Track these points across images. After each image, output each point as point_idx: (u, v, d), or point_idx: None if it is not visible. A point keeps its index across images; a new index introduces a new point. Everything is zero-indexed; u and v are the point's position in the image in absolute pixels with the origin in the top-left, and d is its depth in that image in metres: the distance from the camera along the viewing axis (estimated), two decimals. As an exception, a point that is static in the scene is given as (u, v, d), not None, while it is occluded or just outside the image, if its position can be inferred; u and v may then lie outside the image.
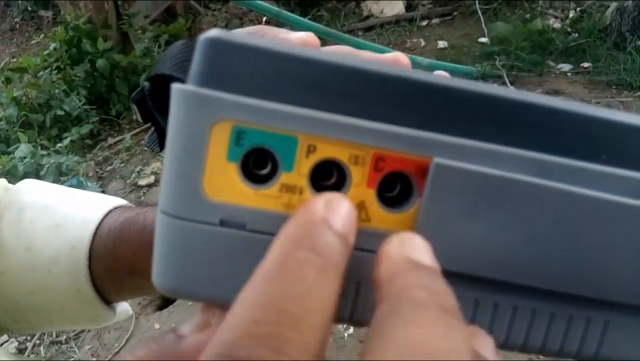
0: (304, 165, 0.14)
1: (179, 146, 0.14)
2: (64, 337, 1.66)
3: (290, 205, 0.14)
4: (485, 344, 0.13)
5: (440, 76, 0.15)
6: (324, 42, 2.83)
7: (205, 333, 0.14)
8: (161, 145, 0.26)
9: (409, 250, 0.13)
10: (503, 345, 0.16)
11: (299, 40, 0.20)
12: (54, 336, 1.68)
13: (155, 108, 0.24)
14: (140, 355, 0.15)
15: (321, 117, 0.14)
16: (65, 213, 0.38)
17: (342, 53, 0.21)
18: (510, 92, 0.15)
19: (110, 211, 0.39)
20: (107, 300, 0.38)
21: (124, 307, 0.42)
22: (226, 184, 0.14)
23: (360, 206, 0.15)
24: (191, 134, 0.14)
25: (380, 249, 0.14)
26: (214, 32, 0.14)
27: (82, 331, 1.67)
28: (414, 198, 0.15)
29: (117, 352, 1.54)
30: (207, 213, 0.14)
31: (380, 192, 0.15)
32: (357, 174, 0.14)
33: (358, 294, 0.15)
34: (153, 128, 0.26)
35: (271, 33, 0.22)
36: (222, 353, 0.11)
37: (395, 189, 0.15)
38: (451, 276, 0.14)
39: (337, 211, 0.13)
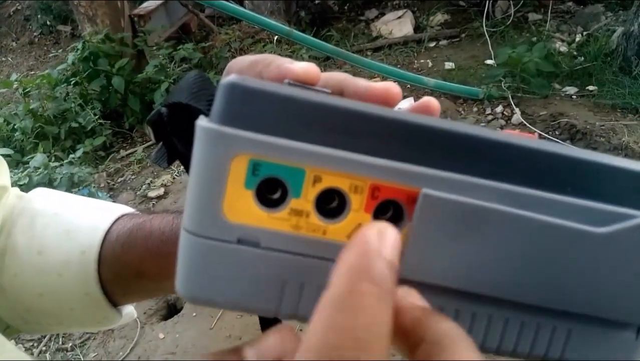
0: (311, 193, 0.16)
1: (203, 175, 0.16)
2: (70, 344, 1.68)
3: (297, 227, 0.16)
4: None
5: (427, 117, 0.17)
6: (333, 61, 2.88)
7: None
8: (169, 161, 0.28)
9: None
10: (480, 348, 0.17)
11: (301, 70, 0.21)
12: (60, 343, 1.69)
13: (172, 131, 0.26)
14: None
15: (325, 153, 0.16)
16: (75, 219, 0.41)
17: (337, 80, 0.23)
18: (487, 132, 0.17)
19: (118, 218, 0.41)
20: (114, 303, 0.40)
21: (130, 310, 0.44)
22: (243, 208, 0.16)
23: (358, 228, 0.16)
24: (214, 165, 0.16)
25: None
26: (232, 78, 0.16)
27: (88, 338, 1.68)
28: (404, 222, 0.17)
29: (122, 361, 1.56)
30: (226, 232, 0.16)
31: (376, 215, 0.17)
32: (356, 201, 0.16)
33: None
34: (161, 145, 0.28)
35: (275, 62, 0.23)
36: None
37: (388, 212, 0.17)
38: (434, 289, 0.17)
39: (388, 240, 0.15)
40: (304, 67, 0.21)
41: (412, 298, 0.16)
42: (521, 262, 0.16)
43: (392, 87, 0.21)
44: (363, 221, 0.16)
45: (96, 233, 0.39)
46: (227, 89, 0.16)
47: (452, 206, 0.16)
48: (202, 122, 0.16)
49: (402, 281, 0.16)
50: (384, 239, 0.15)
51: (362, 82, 0.22)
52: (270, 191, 0.16)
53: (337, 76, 0.23)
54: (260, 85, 0.16)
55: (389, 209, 0.17)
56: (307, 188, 0.16)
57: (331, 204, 0.17)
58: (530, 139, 0.17)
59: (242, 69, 0.25)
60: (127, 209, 0.43)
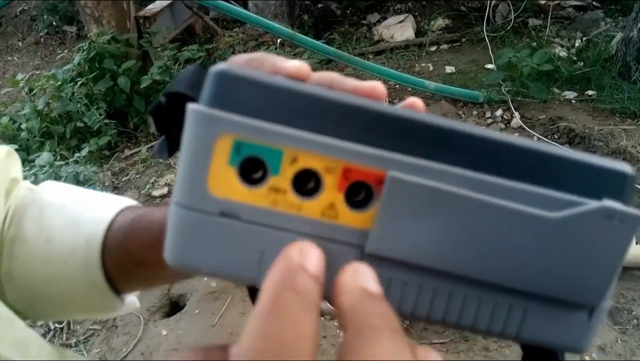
0: (288, 171, 0.17)
1: (191, 152, 0.17)
2: (74, 340, 1.70)
3: (275, 202, 0.18)
4: (435, 358, 0.17)
5: (398, 108, 0.19)
6: (335, 63, 2.91)
7: None
8: (170, 152, 0.29)
9: (361, 280, 0.17)
10: (441, 322, 0.19)
11: (292, 68, 0.22)
12: (64, 339, 1.71)
13: (170, 120, 0.28)
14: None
15: (301, 136, 0.17)
16: (81, 210, 0.42)
17: (327, 79, 0.24)
18: (452, 123, 0.18)
19: (122, 210, 0.42)
20: (117, 291, 0.42)
21: (132, 299, 0.46)
22: (226, 184, 0.17)
23: (331, 206, 0.18)
24: (201, 144, 0.17)
25: (338, 279, 0.17)
26: (221, 66, 0.18)
27: (92, 335, 1.70)
28: (373, 202, 0.18)
29: (125, 356, 1.58)
30: (210, 205, 0.17)
31: (348, 195, 0.18)
32: (330, 181, 0.18)
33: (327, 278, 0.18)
34: (163, 137, 0.29)
35: (270, 60, 0.24)
36: None
37: (360, 194, 0.18)
38: (398, 264, 0.18)
39: (310, 256, 0.17)
40: (296, 65, 0.22)
41: (363, 280, 0.17)
42: (479, 242, 0.17)
43: (377, 86, 0.22)
44: (335, 200, 0.18)
45: (101, 223, 0.41)
46: (215, 76, 0.18)
47: (416, 188, 0.17)
48: (192, 105, 0.18)
49: (370, 256, 0.18)
50: (305, 255, 0.17)
51: (350, 81, 0.23)
52: (253, 170, 0.18)
53: (327, 75, 0.24)
54: (244, 72, 0.18)
55: (362, 190, 0.18)
56: (285, 167, 0.17)
57: (308, 184, 0.18)
58: (492, 131, 0.18)
59: (239, 65, 0.25)
60: (131, 202, 0.45)
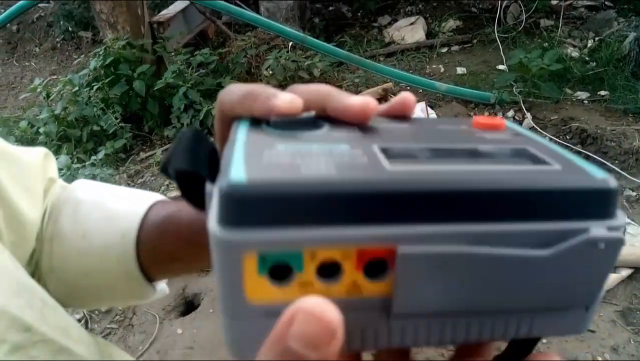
0: (311, 267, 0.19)
1: (224, 274, 0.19)
2: (92, 339, 1.74)
3: (306, 294, 0.19)
4: None
5: (393, 180, 0.21)
6: (346, 66, 2.93)
7: None
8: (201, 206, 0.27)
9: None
10: (464, 342, 0.22)
11: (284, 103, 0.23)
12: (82, 338, 1.75)
13: (183, 195, 0.27)
14: None
15: (315, 235, 0.19)
16: (114, 206, 0.44)
17: (320, 96, 0.24)
18: (445, 183, 0.20)
19: (152, 205, 0.44)
20: (150, 278, 0.45)
21: (162, 286, 0.48)
22: (262, 290, 0.19)
23: (354, 285, 0.20)
24: (230, 266, 0.19)
25: None
26: (226, 186, 0.19)
27: (109, 333, 1.74)
28: (390, 271, 0.20)
29: (141, 355, 1.61)
30: (254, 312, 0.20)
31: (366, 270, 0.20)
32: (348, 264, 0.20)
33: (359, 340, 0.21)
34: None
35: (263, 95, 0.24)
36: None
37: (377, 265, 0.20)
38: (423, 315, 0.21)
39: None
40: (287, 103, 0.23)
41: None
42: (485, 285, 0.20)
43: (368, 104, 0.23)
44: (357, 278, 0.20)
45: (134, 219, 0.43)
46: (225, 197, 0.19)
47: (423, 255, 0.19)
48: (212, 227, 0.19)
49: (396, 315, 0.20)
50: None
51: (340, 102, 0.24)
52: (281, 270, 0.20)
53: (321, 92, 0.25)
54: (249, 189, 0.19)
55: (377, 262, 0.20)
56: (307, 263, 0.20)
57: (331, 268, 0.20)
58: (481, 179, 0.20)
59: (233, 105, 0.26)
60: (160, 197, 0.47)
